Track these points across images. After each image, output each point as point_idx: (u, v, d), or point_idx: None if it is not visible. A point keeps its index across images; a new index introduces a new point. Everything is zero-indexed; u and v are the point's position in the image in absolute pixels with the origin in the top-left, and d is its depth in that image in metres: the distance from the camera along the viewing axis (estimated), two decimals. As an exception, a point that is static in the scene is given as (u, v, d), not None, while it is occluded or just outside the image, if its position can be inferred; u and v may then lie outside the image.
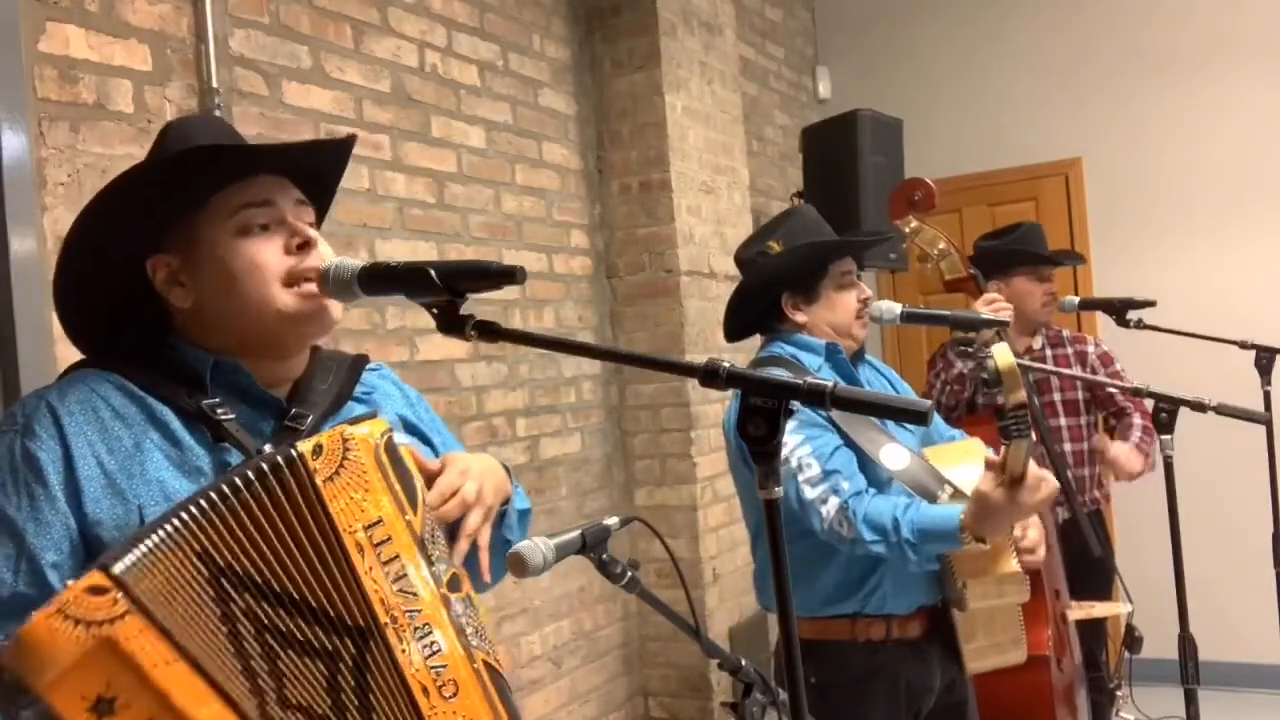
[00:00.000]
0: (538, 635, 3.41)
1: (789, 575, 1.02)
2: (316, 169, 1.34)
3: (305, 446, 1.07)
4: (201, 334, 1.25)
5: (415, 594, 1.09)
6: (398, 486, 1.13)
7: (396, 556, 1.09)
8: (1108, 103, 4.92)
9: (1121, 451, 3.33)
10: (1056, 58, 5.02)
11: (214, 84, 2.45)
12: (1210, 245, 4.76)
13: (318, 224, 1.36)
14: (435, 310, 1.11)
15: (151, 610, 0.97)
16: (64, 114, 2.17)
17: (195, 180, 1.22)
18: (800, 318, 2.23)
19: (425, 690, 1.07)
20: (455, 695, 1.09)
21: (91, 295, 1.26)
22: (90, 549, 1.13)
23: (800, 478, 2.03)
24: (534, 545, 1.31)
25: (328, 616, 1.05)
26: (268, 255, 1.23)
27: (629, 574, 1.38)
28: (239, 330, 1.24)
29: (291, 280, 1.23)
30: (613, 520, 1.43)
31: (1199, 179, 4.77)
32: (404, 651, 1.07)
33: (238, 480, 1.04)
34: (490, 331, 1.11)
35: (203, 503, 1.02)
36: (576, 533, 1.37)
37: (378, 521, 1.09)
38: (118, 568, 0.96)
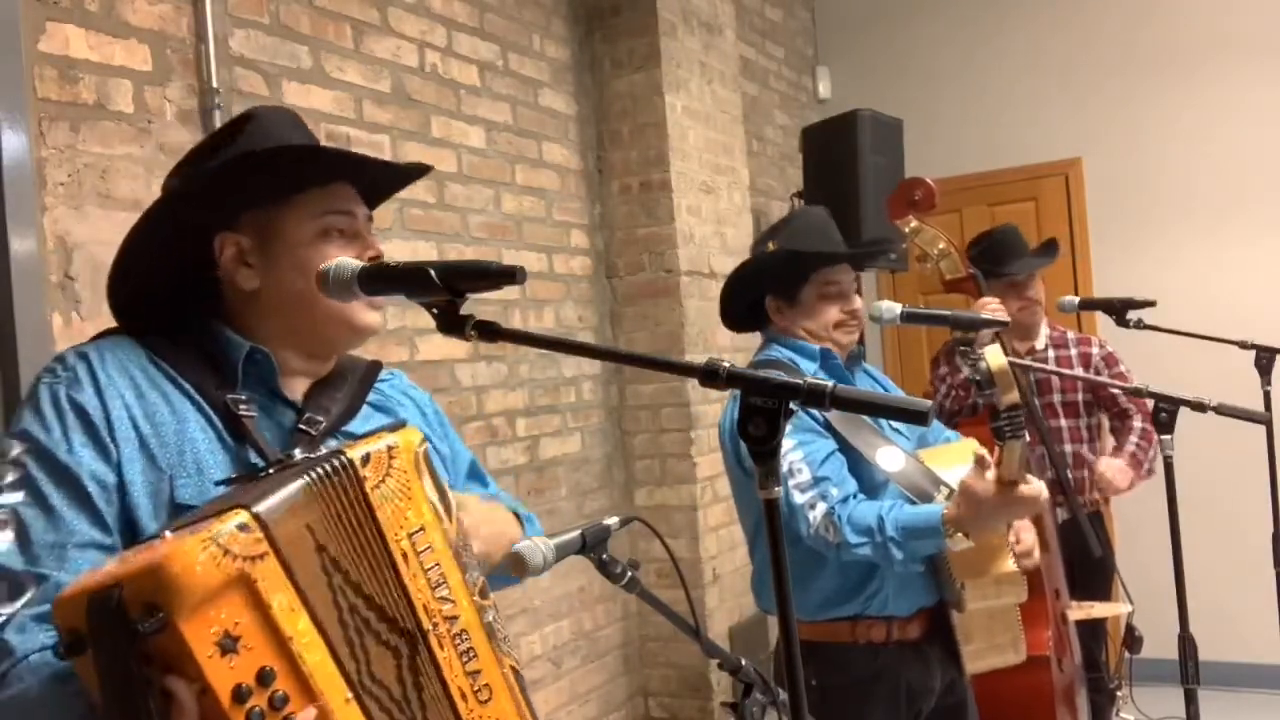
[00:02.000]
0: (538, 635, 3.41)
1: (789, 576, 1.02)
2: (379, 186, 1.40)
3: (355, 454, 1.07)
4: (253, 317, 1.28)
5: (453, 601, 1.12)
6: (434, 495, 1.14)
7: (437, 564, 1.11)
8: (1108, 103, 4.92)
9: (1109, 468, 3.31)
10: (1057, 58, 5.02)
11: (214, 84, 2.45)
12: (1210, 245, 4.76)
13: None
14: (435, 310, 1.12)
15: (286, 557, 0.98)
16: (64, 114, 2.17)
17: (293, 174, 1.26)
18: (781, 321, 2.25)
19: (463, 695, 1.10)
20: (489, 700, 1.13)
21: (153, 261, 1.28)
22: (123, 505, 1.15)
23: (790, 483, 2.03)
24: (534, 545, 1.31)
25: (387, 617, 1.07)
26: None
27: (629, 574, 1.37)
28: (294, 323, 1.28)
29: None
30: (613, 520, 1.43)
31: (1199, 179, 4.77)
32: (445, 658, 1.09)
33: (313, 476, 1.04)
34: (490, 331, 1.11)
35: (293, 486, 1.03)
36: (576, 533, 1.36)
37: (420, 529, 1.10)
38: (261, 508, 0.97)
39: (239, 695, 0.93)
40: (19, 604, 1.06)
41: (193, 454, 1.18)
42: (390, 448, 1.11)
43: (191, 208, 1.26)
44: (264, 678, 0.95)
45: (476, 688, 1.11)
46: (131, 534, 1.14)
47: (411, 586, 1.08)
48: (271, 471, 1.11)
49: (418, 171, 1.41)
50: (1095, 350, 3.52)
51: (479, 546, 1.26)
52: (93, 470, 1.13)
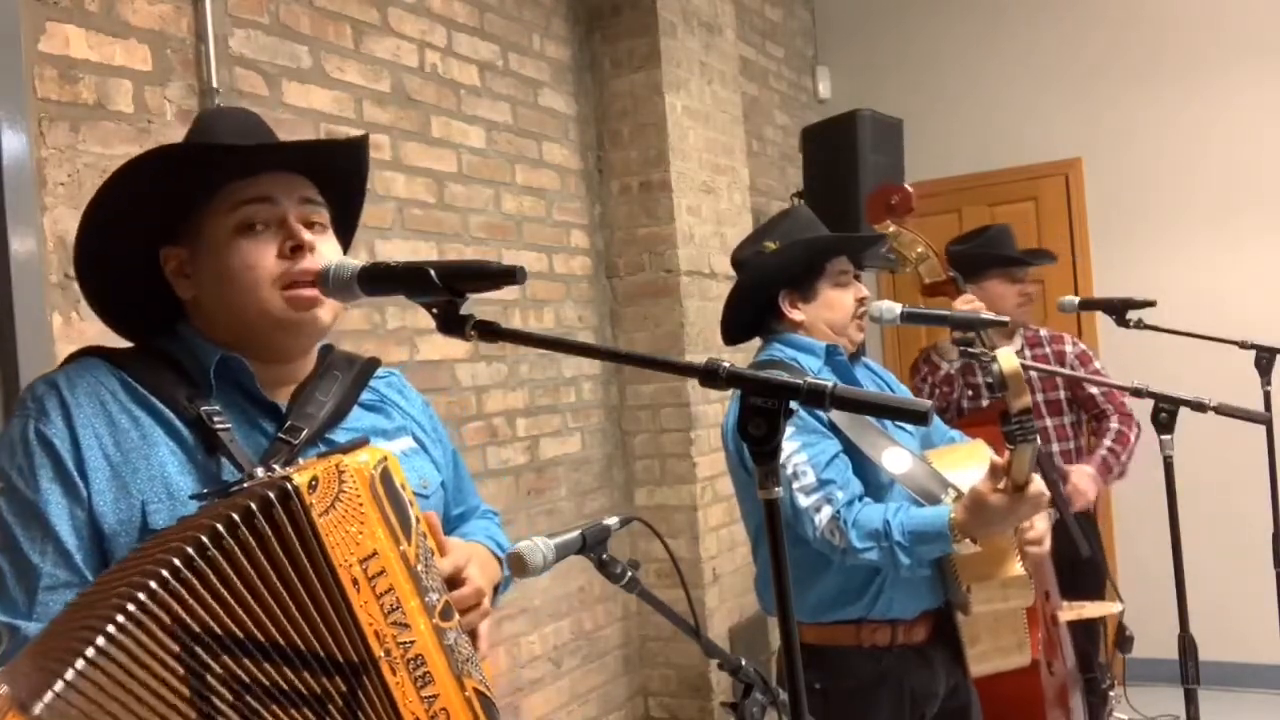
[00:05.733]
0: (538, 635, 3.41)
1: (789, 576, 1.02)
2: (333, 166, 1.33)
3: (301, 479, 1.03)
4: (207, 326, 1.26)
5: (408, 625, 1.09)
6: (393, 517, 1.11)
7: (391, 589, 1.08)
8: (1107, 103, 4.92)
9: (1080, 478, 3.29)
10: (1057, 58, 5.02)
11: (214, 84, 2.45)
12: (1210, 245, 4.76)
13: (351, 221, 1.38)
14: (435, 310, 1.11)
15: None
16: (64, 114, 2.17)
17: (197, 174, 1.22)
18: (798, 315, 2.22)
19: None
20: None
21: (110, 281, 1.27)
22: (96, 539, 1.14)
23: (795, 485, 2.02)
24: (534, 545, 1.31)
25: (318, 658, 1.03)
26: (261, 256, 1.22)
27: (629, 574, 1.38)
28: (236, 329, 1.24)
29: (286, 284, 1.22)
30: (613, 520, 1.43)
31: (1199, 178, 4.77)
32: (398, 684, 1.07)
33: (229, 521, 1.00)
34: (490, 331, 1.10)
35: (177, 562, 0.96)
36: (576, 533, 1.36)
37: (372, 554, 1.07)
38: (37, 709, 0.90)
39: None
40: None
41: (163, 479, 1.16)
42: (341, 470, 1.06)
43: (116, 235, 1.23)
44: None
45: (432, 712, 1.09)
46: (106, 565, 1.13)
47: (361, 614, 1.05)
48: (245, 485, 1.08)
49: (355, 144, 1.34)
50: (1069, 349, 3.50)
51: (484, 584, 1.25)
52: (60, 507, 1.12)
